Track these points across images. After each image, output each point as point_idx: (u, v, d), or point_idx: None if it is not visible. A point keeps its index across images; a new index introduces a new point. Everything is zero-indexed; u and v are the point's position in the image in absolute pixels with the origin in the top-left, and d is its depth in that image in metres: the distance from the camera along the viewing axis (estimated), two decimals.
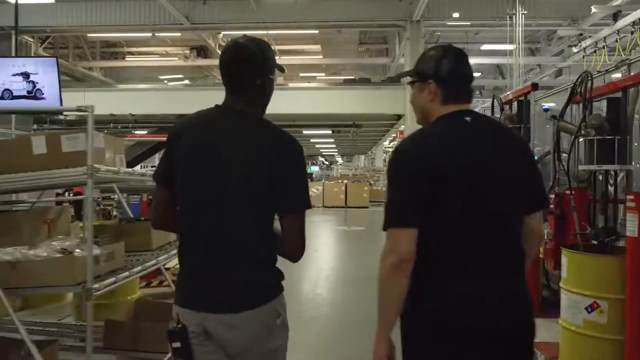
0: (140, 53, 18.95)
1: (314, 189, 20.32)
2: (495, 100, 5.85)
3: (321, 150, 30.94)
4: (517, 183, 1.70)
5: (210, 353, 1.67)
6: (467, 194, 1.64)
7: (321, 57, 17.57)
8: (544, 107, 4.90)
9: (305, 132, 18.59)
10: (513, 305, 1.68)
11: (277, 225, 1.77)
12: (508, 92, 6.26)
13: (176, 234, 2.17)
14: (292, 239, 1.76)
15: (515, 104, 5.62)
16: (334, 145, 25.34)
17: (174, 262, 6.64)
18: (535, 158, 2.08)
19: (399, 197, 1.67)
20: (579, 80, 4.09)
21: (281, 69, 1.93)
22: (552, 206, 4.37)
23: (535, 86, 5.15)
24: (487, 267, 1.65)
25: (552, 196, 4.40)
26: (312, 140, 23.18)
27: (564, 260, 3.82)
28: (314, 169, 42.32)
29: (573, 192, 4.18)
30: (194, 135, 1.77)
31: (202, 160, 1.73)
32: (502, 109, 5.63)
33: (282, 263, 1.81)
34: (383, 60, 17.39)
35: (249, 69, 1.77)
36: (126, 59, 18.65)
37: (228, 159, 1.72)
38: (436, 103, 1.74)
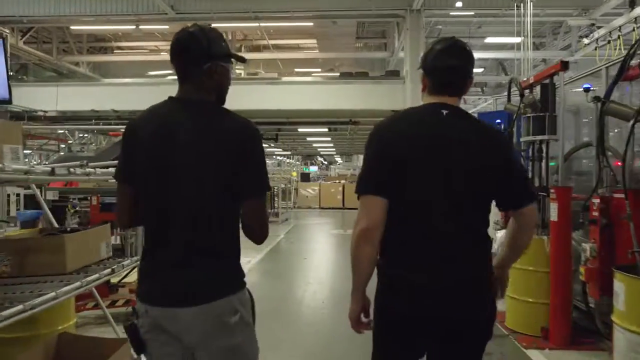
0: (129, 48, 18.00)
1: (310, 190, 19.29)
2: (513, 84, 4.83)
3: (319, 149, 29.88)
4: (481, 176, 1.71)
5: (165, 346, 1.66)
6: (421, 182, 1.69)
7: (317, 51, 16.55)
8: (584, 87, 3.88)
9: (300, 129, 17.56)
10: (459, 292, 1.68)
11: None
12: (527, 76, 5.23)
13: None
14: (253, 222, 1.72)
15: (537, 88, 4.61)
16: (332, 144, 24.30)
17: (134, 277, 5.62)
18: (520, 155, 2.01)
19: (366, 169, 1.75)
20: (633, 49, 3.08)
21: (240, 59, 1.88)
22: (595, 214, 3.34)
23: (565, 65, 4.13)
24: (438, 254, 1.68)
25: (596, 200, 3.38)
26: (308, 139, 22.12)
27: (618, 286, 2.81)
28: (312, 169, 41.31)
29: (627, 196, 3.14)
30: (149, 130, 1.69)
31: (158, 155, 1.67)
32: (522, 95, 4.61)
33: (262, 277, 1.31)
34: (382, 54, 16.36)
35: (192, 52, 1.69)
36: (115, 53, 17.67)
37: (184, 150, 1.65)
38: (426, 92, 1.82)
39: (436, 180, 1.69)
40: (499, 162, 1.74)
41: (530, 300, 4.25)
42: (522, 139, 4.73)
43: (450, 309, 1.65)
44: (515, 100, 4.86)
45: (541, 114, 4.40)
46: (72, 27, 14.56)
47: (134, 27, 13.10)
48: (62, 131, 14.67)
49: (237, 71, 16.49)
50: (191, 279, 1.63)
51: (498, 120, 5.45)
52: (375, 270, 1.75)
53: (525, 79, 4.91)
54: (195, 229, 1.65)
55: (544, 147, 4.51)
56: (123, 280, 5.11)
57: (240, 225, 1.73)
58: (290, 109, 13.26)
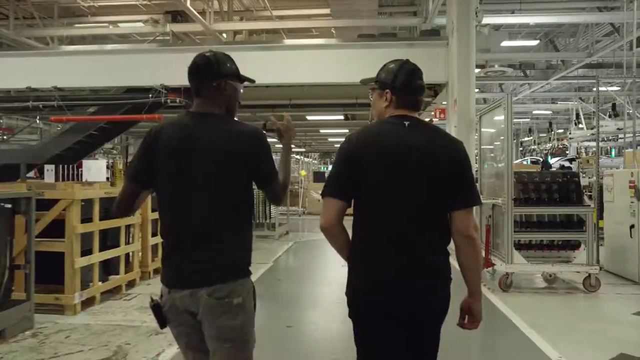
0: (110, 22, 14.30)
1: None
2: None
3: (336, 146, 25.80)
4: (435, 179, 1.80)
5: (180, 325, 1.84)
6: (382, 187, 1.81)
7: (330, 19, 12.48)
8: None
9: (310, 117, 13.53)
10: (413, 281, 1.78)
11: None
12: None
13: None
14: (269, 197, 1.97)
15: None
16: None
17: None
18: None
19: (333, 173, 1.89)
20: None
21: (249, 79, 2.01)
22: None
23: None
24: (393, 248, 1.79)
25: None
26: (322, 131, 18.05)
27: None
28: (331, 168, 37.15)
29: None
30: (169, 139, 1.86)
31: (176, 161, 1.82)
32: None
33: None
34: (411, 21, 12.24)
35: (204, 72, 1.91)
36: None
37: (198, 156, 1.81)
38: (391, 108, 1.93)
39: (396, 185, 1.80)
40: (454, 166, 1.83)
41: None
42: None
43: (410, 295, 1.77)
44: None
45: None
46: None
47: None
48: None
49: (224, 35, 12.61)
50: (202, 267, 1.78)
51: None
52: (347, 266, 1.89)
53: None
54: (205, 227, 1.80)
55: None
56: None
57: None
58: (293, 83, 9.29)
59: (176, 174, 1.81)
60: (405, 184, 1.78)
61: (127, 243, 5.52)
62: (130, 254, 5.63)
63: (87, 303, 4.75)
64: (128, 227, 5.58)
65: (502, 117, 5.72)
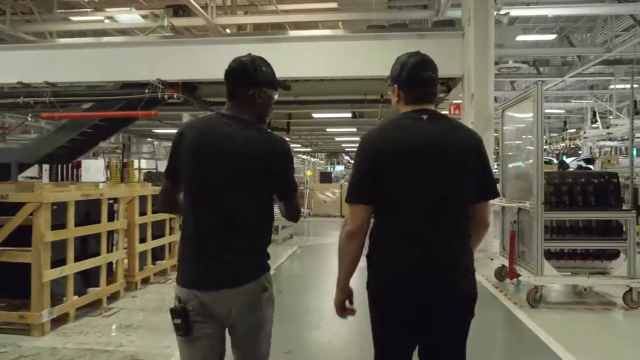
0: (109, 17, 13.78)
1: (329, 193, 14.50)
2: None
3: (343, 145, 25.08)
4: (457, 173, 1.77)
5: (207, 328, 1.79)
6: (398, 181, 1.76)
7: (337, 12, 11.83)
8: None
9: (316, 115, 12.89)
10: (424, 278, 1.74)
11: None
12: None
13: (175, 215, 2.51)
14: (287, 212, 1.97)
15: None
16: (359, 138, 19.57)
17: None
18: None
19: (356, 178, 1.82)
20: None
21: (283, 86, 1.97)
22: None
23: None
24: (408, 244, 1.75)
25: None
26: (329, 130, 17.38)
27: None
28: (338, 168, 36.53)
29: None
30: (195, 139, 1.84)
31: (201, 162, 1.80)
32: None
33: None
34: (422, 13, 11.57)
35: (240, 78, 1.87)
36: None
37: (223, 159, 1.79)
38: (401, 103, 1.87)
39: (418, 182, 1.75)
40: (474, 160, 1.81)
41: None
42: None
43: (421, 292, 1.73)
44: None
45: None
46: None
47: None
48: None
49: (227, 30, 12.01)
50: (231, 269, 1.76)
51: None
52: (366, 263, 1.84)
53: None
54: (228, 228, 1.77)
55: None
56: None
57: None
58: (297, 78, 8.65)
59: (198, 174, 1.80)
60: (422, 181, 1.75)
61: (110, 251, 4.92)
62: (114, 262, 5.02)
63: (60, 320, 4.13)
64: (111, 233, 4.97)
65: (528, 114, 5.05)
